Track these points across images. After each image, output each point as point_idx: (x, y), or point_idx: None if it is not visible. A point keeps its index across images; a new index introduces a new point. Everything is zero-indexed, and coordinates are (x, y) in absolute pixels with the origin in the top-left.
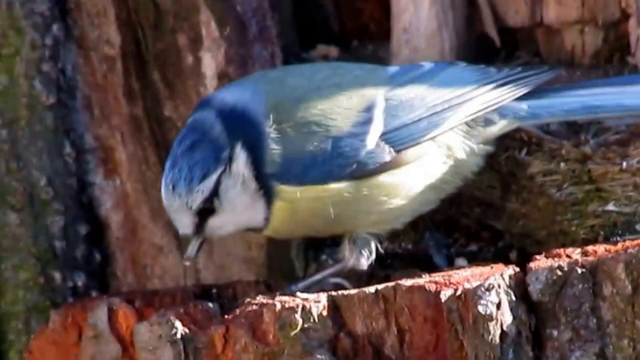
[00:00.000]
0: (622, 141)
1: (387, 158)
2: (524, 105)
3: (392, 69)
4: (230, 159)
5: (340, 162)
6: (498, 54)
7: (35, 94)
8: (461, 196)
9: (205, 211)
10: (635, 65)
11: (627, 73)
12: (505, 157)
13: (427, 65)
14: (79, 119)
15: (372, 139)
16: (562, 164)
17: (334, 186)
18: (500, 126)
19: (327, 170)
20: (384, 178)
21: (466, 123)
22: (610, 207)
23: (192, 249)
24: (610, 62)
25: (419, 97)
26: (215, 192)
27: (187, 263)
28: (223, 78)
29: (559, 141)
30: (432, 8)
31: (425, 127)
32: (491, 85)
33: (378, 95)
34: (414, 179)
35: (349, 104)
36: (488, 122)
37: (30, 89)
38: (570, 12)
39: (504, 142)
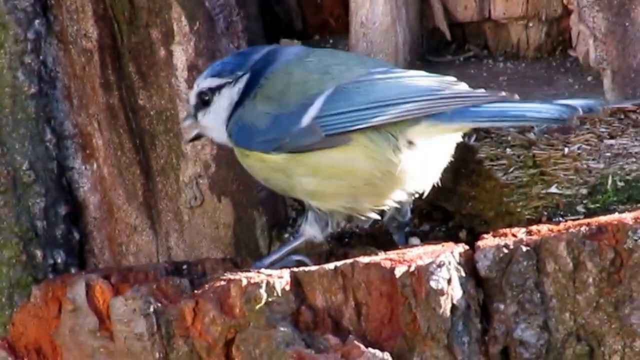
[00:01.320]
0: (564, 129)
1: (317, 138)
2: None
3: (382, 67)
4: (237, 80)
5: (276, 135)
6: (448, 47)
7: (18, 84)
8: None
9: (203, 101)
10: (577, 58)
11: (568, 65)
12: (456, 143)
13: (409, 71)
14: (59, 108)
15: (306, 120)
16: (509, 150)
17: (273, 156)
18: (423, 127)
19: (266, 140)
20: (314, 155)
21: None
22: (553, 189)
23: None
24: (552, 55)
25: (364, 92)
26: (214, 92)
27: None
28: (193, 69)
29: (506, 128)
30: (387, 4)
31: (355, 119)
32: (431, 97)
33: (332, 85)
34: (338, 162)
35: (302, 88)
36: (413, 122)
37: (13, 80)
38: (515, 8)
39: None
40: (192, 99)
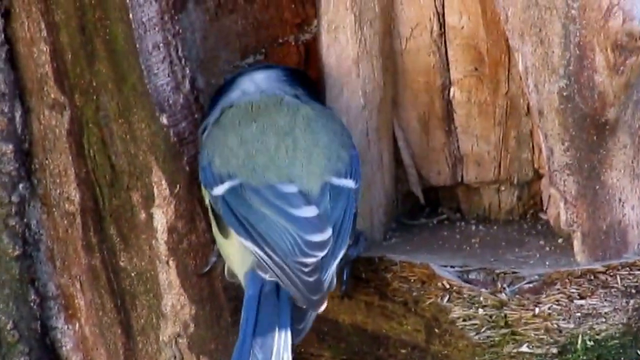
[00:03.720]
0: (535, 289)
1: (218, 211)
2: None
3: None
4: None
5: (203, 180)
6: (423, 210)
7: (2, 246)
8: (389, 339)
9: None
10: (548, 220)
11: (539, 227)
12: (429, 304)
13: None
14: (43, 269)
15: (216, 191)
16: (481, 310)
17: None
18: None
19: (202, 176)
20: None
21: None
22: (524, 348)
23: None
24: (524, 218)
25: (247, 205)
26: None
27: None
28: (172, 232)
29: (478, 289)
30: (362, 169)
31: (231, 223)
32: (277, 264)
33: (241, 176)
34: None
35: (224, 160)
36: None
37: None
38: (487, 173)
39: (428, 289)
40: None
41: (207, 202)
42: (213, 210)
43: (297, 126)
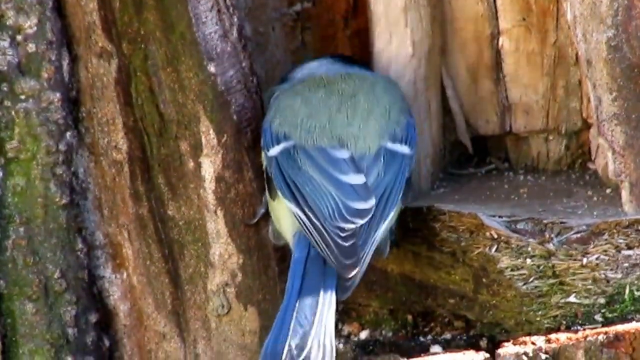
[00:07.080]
0: (583, 239)
1: (270, 171)
2: None
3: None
4: None
5: (263, 139)
6: (470, 160)
7: (50, 195)
8: (437, 289)
9: None
10: (596, 170)
11: (587, 178)
12: (477, 254)
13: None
14: (90, 218)
15: (272, 152)
16: (529, 260)
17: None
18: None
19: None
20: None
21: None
22: (572, 299)
23: None
24: (572, 168)
25: (296, 167)
26: None
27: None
28: (220, 181)
29: (526, 239)
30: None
31: (278, 184)
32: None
33: (294, 138)
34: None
35: (285, 119)
36: None
37: (45, 191)
38: (536, 122)
39: (476, 239)
40: None
41: (264, 165)
42: (267, 173)
43: (362, 90)
